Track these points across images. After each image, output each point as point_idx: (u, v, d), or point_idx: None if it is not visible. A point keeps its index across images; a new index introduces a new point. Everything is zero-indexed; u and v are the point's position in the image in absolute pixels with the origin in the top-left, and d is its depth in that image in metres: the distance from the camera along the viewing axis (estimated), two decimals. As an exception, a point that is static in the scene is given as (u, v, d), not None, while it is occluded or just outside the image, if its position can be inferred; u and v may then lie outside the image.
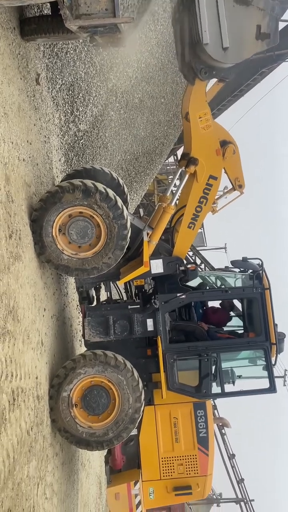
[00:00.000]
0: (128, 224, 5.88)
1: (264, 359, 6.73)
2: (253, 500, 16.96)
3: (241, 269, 7.06)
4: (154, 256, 6.46)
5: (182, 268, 6.60)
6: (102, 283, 7.21)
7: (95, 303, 7.18)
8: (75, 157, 8.79)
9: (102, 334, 6.50)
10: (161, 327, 6.47)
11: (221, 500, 20.00)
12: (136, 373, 6.11)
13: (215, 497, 20.83)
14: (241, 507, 16.78)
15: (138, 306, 6.59)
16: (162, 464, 6.70)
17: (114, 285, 7.25)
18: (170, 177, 30.24)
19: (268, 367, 6.67)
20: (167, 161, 27.26)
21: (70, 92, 7.90)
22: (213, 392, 6.65)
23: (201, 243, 30.76)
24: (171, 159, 28.36)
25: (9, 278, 4.66)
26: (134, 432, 6.48)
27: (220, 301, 7.54)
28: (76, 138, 8.65)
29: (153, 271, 6.43)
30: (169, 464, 6.71)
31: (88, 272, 5.97)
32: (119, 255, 5.94)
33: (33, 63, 6.43)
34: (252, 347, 6.83)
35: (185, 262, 6.71)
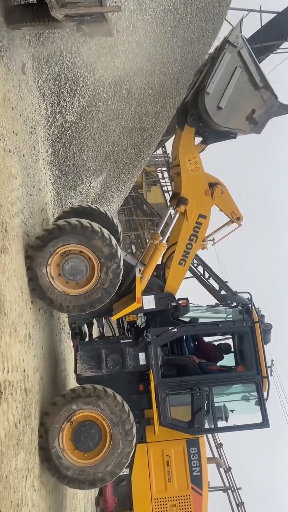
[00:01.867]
0: (121, 263, 6.00)
1: (256, 393, 6.67)
2: (240, 488, 17.22)
3: (231, 303, 7.25)
4: (146, 292, 6.61)
5: (173, 303, 6.75)
6: (94, 319, 7.23)
7: (87, 338, 7.17)
8: (62, 149, 8.70)
9: (94, 368, 6.53)
10: (153, 360, 6.50)
11: (209, 489, 20.31)
12: (126, 406, 6.03)
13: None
14: (228, 495, 17.02)
15: (130, 340, 6.68)
16: (155, 505, 6.53)
17: (107, 321, 7.35)
18: (159, 169, 30.22)
19: (260, 402, 6.61)
20: (155, 153, 27.19)
21: (57, 82, 7.79)
22: (206, 427, 6.57)
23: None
24: (159, 151, 28.28)
25: (-5, 272, 4.62)
26: (126, 472, 6.37)
27: (213, 339, 7.79)
28: (63, 129, 8.55)
29: (145, 307, 6.56)
30: (162, 505, 6.53)
31: (80, 308, 6.04)
32: (112, 292, 6.04)
33: (18, 52, 6.32)
34: (244, 381, 6.82)
35: (176, 298, 6.84)
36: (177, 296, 6.89)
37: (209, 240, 7.17)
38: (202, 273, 21.53)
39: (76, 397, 5.93)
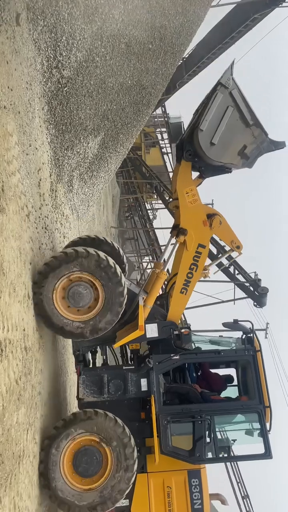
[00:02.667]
0: (125, 292, 6.15)
1: (258, 423, 6.58)
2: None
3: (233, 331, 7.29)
4: (149, 320, 6.71)
5: (176, 332, 6.86)
6: (98, 346, 7.26)
7: (91, 366, 7.22)
8: (59, 106, 8.44)
9: (96, 393, 6.56)
10: (155, 387, 6.50)
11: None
12: (127, 430, 6.01)
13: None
14: (233, 488, 16.52)
15: (133, 367, 6.73)
16: None
17: (110, 350, 7.35)
18: (158, 130, 29.53)
19: (263, 432, 6.52)
20: (154, 113, 26.48)
21: (53, 34, 7.44)
22: (207, 456, 6.43)
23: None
24: (159, 111, 27.57)
25: (-7, 231, 4.58)
26: (125, 502, 6.29)
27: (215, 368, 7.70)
28: (60, 86, 8.25)
29: (148, 335, 6.66)
30: None
31: (83, 335, 6.15)
32: (114, 320, 6.16)
33: (12, 1, 5.99)
34: (246, 410, 6.73)
35: (179, 326, 6.96)
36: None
37: (210, 266, 7.23)
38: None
39: (77, 422, 5.89)
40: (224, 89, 5.74)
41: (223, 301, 18.70)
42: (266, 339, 22.38)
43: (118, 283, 6.02)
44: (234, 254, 7.21)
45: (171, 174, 29.69)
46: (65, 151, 9.13)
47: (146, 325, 6.64)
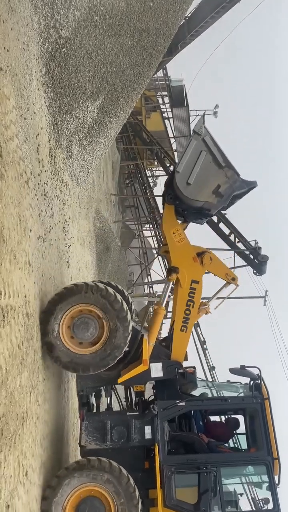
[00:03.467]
0: (130, 327, 6.30)
1: (266, 475, 6.32)
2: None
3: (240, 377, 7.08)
4: (154, 360, 6.69)
5: (181, 371, 6.81)
6: (102, 388, 7.15)
7: (94, 410, 7.09)
8: (57, 68, 8.17)
9: (99, 440, 6.40)
10: (159, 435, 6.32)
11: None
12: (132, 480, 5.86)
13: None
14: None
15: (137, 413, 6.58)
16: None
17: (115, 394, 7.24)
18: (159, 94, 28.75)
19: (271, 486, 6.23)
20: (155, 76, 25.68)
21: (50, -9, 7.12)
22: (213, 510, 6.12)
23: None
24: (160, 74, 26.74)
25: (-8, 198, 4.55)
26: None
27: (224, 417, 7.54)
28: (58, 46, 7.97)
29: (152, 375, 6.65)
30: None
31: (84, 368, 6.21)
32: (117, 356, 6.26)
33: None
34: (254, 462, 6.51)
35: (183, 366, 6.91)
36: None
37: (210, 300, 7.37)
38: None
39: (80, 470, 5.74)
40: (197, 136, 6.34)
41: (222, 269, 18.78)
42: (265, 306, 22.67)
43: (124, 318, 6.20)
44: (232, 287, 7.30)
45: (172, 140, 29.15)
46: (64, 116, 8.92)
47: (151, 364, 6.62)
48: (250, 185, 6.48)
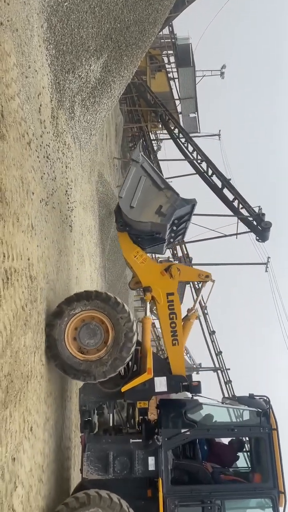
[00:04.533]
0: (135, 338, 6.41)
1: (271, 508, 6.23)
2: (229, 369, 18.99)
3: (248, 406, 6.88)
4: (158, 374, 6.68)
5: (185, 383, 6.77)
6: (105, 405, 7.06)
7: (96, 429, 6.99)
8: (59, 24, 7.85)
9: (101, 471, 6.31)
10: (163, 466, 6.22)
11: (200, 369, 22.42)
12: (125, 504, 5.80)
13: (195, 366, 23.30)
14: (218, 375, 18.81)
15: (141, 440, 6.45)
16: None
17: (117, 412, 7.08)
18: (164, 52, 27.73)
19: None
20: (161, 33, 24.64)
21: None
22: None
23: (194, 129, 29.55)
24: (166, 31, 25.69)
25: (-7, 159, 4.48)
26: None
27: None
28: (60, 0, 7.62)
29: (157, 389, 6.64)
30: None
31: (91, 375, 6.26)
32: (124, 359, 6.34)
33: None
34: (259, 494, 6.39)
35: (187, 379, 6.88)
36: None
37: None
38: (205, 169, 21.05)
39: (80, 507, 5.60)
40: (136, 163, 6.70)
41: (225, 235, 18.75)
42: (266, 273, 22.80)
43: (126, 318, 6.35)
44: (209, 284, 7.45)
45: (177, 102, 28.36)
46: (66, 75, 8.65)
47: (155, 378, 6.62)
48: (189, 203, 6.77)
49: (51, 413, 6.34)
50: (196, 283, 13.87)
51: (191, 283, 16.92)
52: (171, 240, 7.54)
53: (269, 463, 6.28)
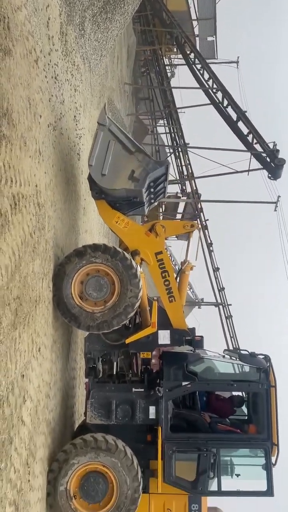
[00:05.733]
0: (140, 285, 6.38)
1: (264, 458, 6.55)
2: (230, 304, 19.42)
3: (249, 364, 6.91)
4: (162, 328, 6.79)
5: (188, 338, 6.89)
6: (109, 355, 7.09)
7: (100, 375, 7.04)
8: None
9: (104, 417, 6.55)
10: (163, 415, 6.44)
11: (202, 304, 22.96)
12: (129, 451, 6.14)
13: (197, 301, 23.86)
14: (219, 310, 19.29)
15: (143, 390, 6.64)
16: None
17: (122, 360, 7.13)
18: None
19: (267, 468, 6.49)
20: None
21: None
22: (209, 489, 6.49)
23: (211, 55, 27.69)
24: None
25: (0, 76, 4.24)
26: None
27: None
28: None
29: (160, 342, 6.81)
30: None
31: (78, 322, 6.35)
32: (128, 314, 6.34)
33: None
34: (253, 444, 6.70)
35: (190, 334, 6.96)
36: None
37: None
38: (220, 100, 20.00)
39: (86, 449, 6.00)
40: (103, 127, 6.41)
41: (237, 171, 18.27)
42: (275, 212, 22.50)
43: (133, 275, 6.32)
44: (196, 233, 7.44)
45: (194, 23, 26.33)
46: (77, -15, 7.95)
47: (159, 331, 6.75)
48: (162, 164, 6.61)
49: (58, 336, 6.60)
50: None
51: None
52: (152, 201, 7.38)
53: (264, 417, 6.58)
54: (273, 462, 6.48)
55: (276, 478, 6.50)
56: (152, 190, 6.94)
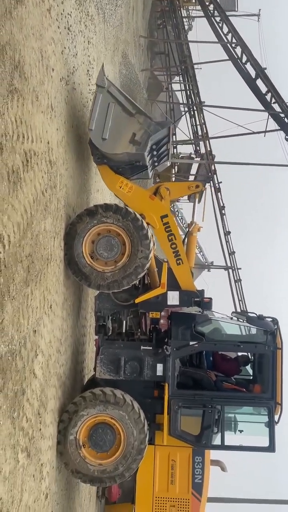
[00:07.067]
0: (151, 245, 6.36)
1: (267, 416, 6.69)
2: (240, 268, 19.42)
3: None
4: (172, 289, 6.84)
5: (197, 299, 6.99)
6: (119, 313, 7.20)
7: (110, 332, 7.19)
8: None
9: (113, 372, 6.73)
10: (170, 373, 6.62)
11: (211, 267, 23.01)
12: (136, 405, 6.32)
13: (207, 264, 23.91)
14: (229, 273, 19.33)
15: (151, 348, 6.79)
16: (155, 503, 7.00)
17: (131, 319, 7.25)
18: None
19: (270, 426, 6.65)
20: None
21: None
22: (212, 443, 6.73)
23: (232, 7, 26.26)
24: None
25: (12, 25, 4.09)
26: None
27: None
28: None
29: (169, 302, 6.86)
30: (162, 504, 7.00)
31: (88, 281, 6.39)
32: (141, 271, 6.34)
33: None
34: (257, 403, 6.86)
35: (199, 295, 7.05)
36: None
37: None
38: (239, 55, 19.21)
39: (96, 402, 6.22)
40: (101, 89, 6.23)
41: (253, 132, 17.72)
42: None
43: (144, 236, 6.31)
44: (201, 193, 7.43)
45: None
46: None
47: (168, 292, 6.80)
48: (164, 126, 6.41)
49: (69, 294, 6.71)
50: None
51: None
52: (156, 164, 7.18)
53: (269, 377, 6.75)
54: (276, 420, 6.68)
55: (277, 435, 6.74)
56: (155, 153, 6.76)
